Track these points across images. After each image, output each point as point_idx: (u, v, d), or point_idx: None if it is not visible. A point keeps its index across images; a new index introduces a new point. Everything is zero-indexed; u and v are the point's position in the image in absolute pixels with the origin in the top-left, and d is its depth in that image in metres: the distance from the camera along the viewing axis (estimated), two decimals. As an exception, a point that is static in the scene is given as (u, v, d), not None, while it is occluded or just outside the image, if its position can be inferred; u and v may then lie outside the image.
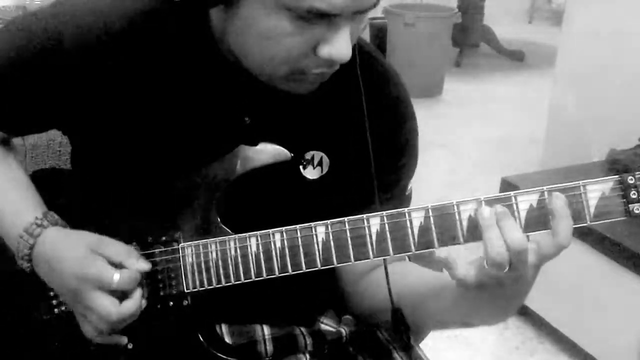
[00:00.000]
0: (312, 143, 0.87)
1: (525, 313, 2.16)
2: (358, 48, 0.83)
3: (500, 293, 0.72)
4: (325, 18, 0.71)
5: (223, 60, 0.82)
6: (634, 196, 0.68)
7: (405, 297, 0.85)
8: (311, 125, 0.87)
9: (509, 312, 0.78)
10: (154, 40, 0.82)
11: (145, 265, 0.80)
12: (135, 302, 0.79)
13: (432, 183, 3.02)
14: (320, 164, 0.87)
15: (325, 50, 0.73)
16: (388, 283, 0.82)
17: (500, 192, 0.71)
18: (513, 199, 0.70)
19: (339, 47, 0.72)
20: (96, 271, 0.78)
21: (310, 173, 0.87)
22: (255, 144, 0.83)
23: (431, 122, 3.60)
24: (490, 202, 0.71)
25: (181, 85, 0.84)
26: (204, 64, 0.83)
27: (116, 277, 0.77)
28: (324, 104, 0.86)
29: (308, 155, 0.87)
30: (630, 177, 0.69)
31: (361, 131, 0.84)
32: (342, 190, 0.88)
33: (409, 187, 0.94)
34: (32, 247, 0.83)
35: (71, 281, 0.79)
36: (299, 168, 0.87)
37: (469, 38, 4.91)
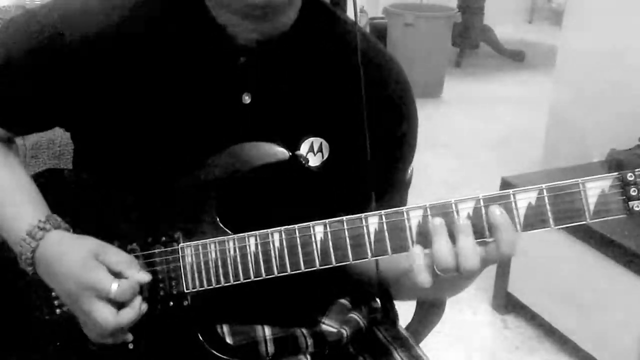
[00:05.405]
0: (310, 128, 0.87)
1: (525, 313, 2.16)
2: (362, 37, 0.84)
3: (450, 284, 0.79)
4: None
5: (221, 36, 0.82)
6: (633, 193, 0.68)
7: (382, 274, 0.89)
8: (310, 110, 0.87)
9: (462, 289, 0.85)
10: (153, 25, 0.83)
11: (145, 277, 0.80)
12: (134, 311, 0.79)
13: (432, 183, 3.01)
14: (320, 149, 0.87)
15: None
16: (377, 272, 0.85)
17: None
18: (512, 197, 0.70)
19: None
20: (95, 279, 0.78)
21: (312, 160, 0.87)
22: (254, 130, 0.83)
23: (431, 122, 3.59)
24: (492, 199, 0.71)
25: (182, 67, 0.84)
26: (203, 43, 0.84)
27: (114, 287, 0.77)
28: (324, 89, 0.87)
29: (306, 144, 0.86)
30: (630, 174, 0.68)
31: (361, 118, 0.84)
32: (345, 174, 0.88)
33: (409, 171, 0.95)
34: (34, 250, 0.83)
35: (71, 286, 0.79)
36: (300, 162, 0.86)
37: (469, 38, 4.91)
